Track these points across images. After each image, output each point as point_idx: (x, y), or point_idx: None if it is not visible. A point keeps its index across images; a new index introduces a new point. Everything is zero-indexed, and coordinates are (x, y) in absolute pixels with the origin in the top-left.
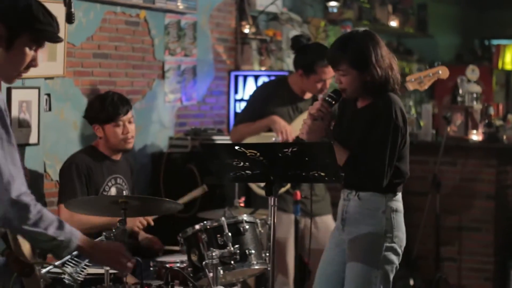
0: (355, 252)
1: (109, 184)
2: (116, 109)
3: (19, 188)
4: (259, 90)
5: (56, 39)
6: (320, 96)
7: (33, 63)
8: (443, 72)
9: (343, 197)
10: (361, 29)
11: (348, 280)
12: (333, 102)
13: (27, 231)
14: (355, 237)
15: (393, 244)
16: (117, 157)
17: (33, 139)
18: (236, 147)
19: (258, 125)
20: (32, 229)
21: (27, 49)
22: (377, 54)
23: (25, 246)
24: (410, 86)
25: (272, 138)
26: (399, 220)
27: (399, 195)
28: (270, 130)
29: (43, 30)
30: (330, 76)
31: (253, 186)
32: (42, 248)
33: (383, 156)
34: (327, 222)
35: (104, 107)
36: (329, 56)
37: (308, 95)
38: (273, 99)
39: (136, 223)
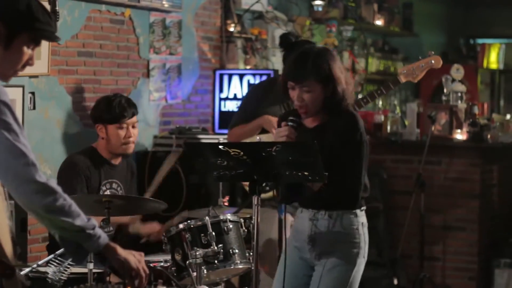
0: (327, 270)
1: (103, 188)
2: (122, 111)
3: (42, 175)
4: (250, 92)
5: (54, 39)
6: (283, 122)
7: (29, 61)
8: (435, 61)
9: (309, 217)
10: (319, 45)
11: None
12: (296, 126)
13: (54, 219)
14: (327, 255)
15: (363, 259)
16: (116, 161)
17: None
18: (220, 146)
19: (251, 126)
20: (59, 217)
21: (25, 48)
22: (338, 68)
23: (8, 248)
24: (403, 78)
25: (256, 137)
26: (367, 233)
27: (364, 209)
28: (264, 130)
29: (43, 30)
30: None
31: (244, 184)
32: (67, 239)
33: (359, 174)
34: None
35: (111, 108)
36: (293, 72)
37: None
38: (264, 99)
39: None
